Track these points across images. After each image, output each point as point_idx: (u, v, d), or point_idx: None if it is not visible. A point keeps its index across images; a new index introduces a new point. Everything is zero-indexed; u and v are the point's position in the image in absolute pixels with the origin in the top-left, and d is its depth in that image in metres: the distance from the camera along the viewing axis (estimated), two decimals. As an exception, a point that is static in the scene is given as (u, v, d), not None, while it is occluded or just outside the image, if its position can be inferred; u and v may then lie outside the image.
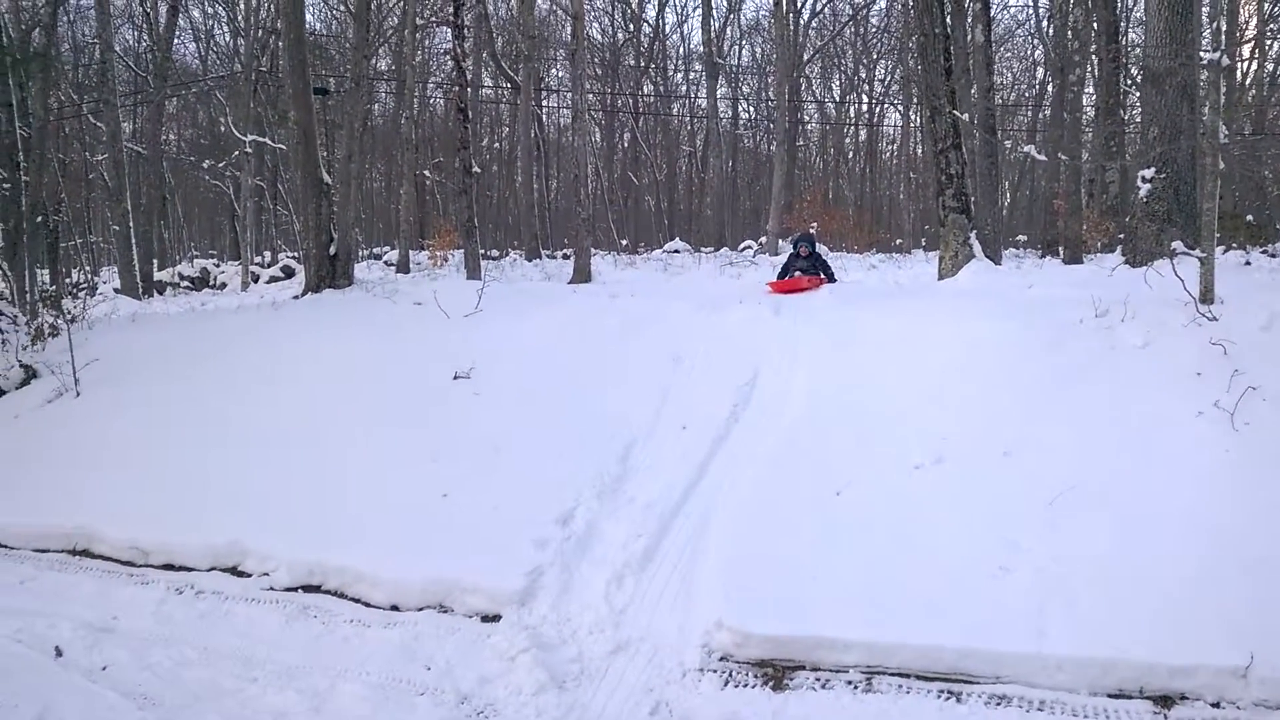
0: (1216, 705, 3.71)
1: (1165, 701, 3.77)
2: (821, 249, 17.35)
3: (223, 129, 25.13)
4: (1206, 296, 6.25)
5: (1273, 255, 11.81)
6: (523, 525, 5.24)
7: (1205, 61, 6.36)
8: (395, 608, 4.95)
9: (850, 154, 36.20)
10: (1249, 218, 14.60)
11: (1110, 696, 3.82)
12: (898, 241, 20.80)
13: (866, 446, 5.52)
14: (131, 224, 17.74)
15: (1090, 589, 4.21)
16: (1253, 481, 4.66)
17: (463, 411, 6.52)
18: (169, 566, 5.51)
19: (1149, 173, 8.88)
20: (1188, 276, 6.28)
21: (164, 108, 23.09)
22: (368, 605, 5.00)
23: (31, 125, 12.57)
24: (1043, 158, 11.26)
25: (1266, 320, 5.87)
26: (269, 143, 22.02)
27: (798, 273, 9.71)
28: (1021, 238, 22.77)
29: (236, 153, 21.81)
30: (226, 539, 5.49)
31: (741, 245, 23.21)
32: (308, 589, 5.16)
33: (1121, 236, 10.69)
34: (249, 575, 5.34)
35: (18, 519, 6.02)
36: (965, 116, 8.54)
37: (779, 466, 5.52)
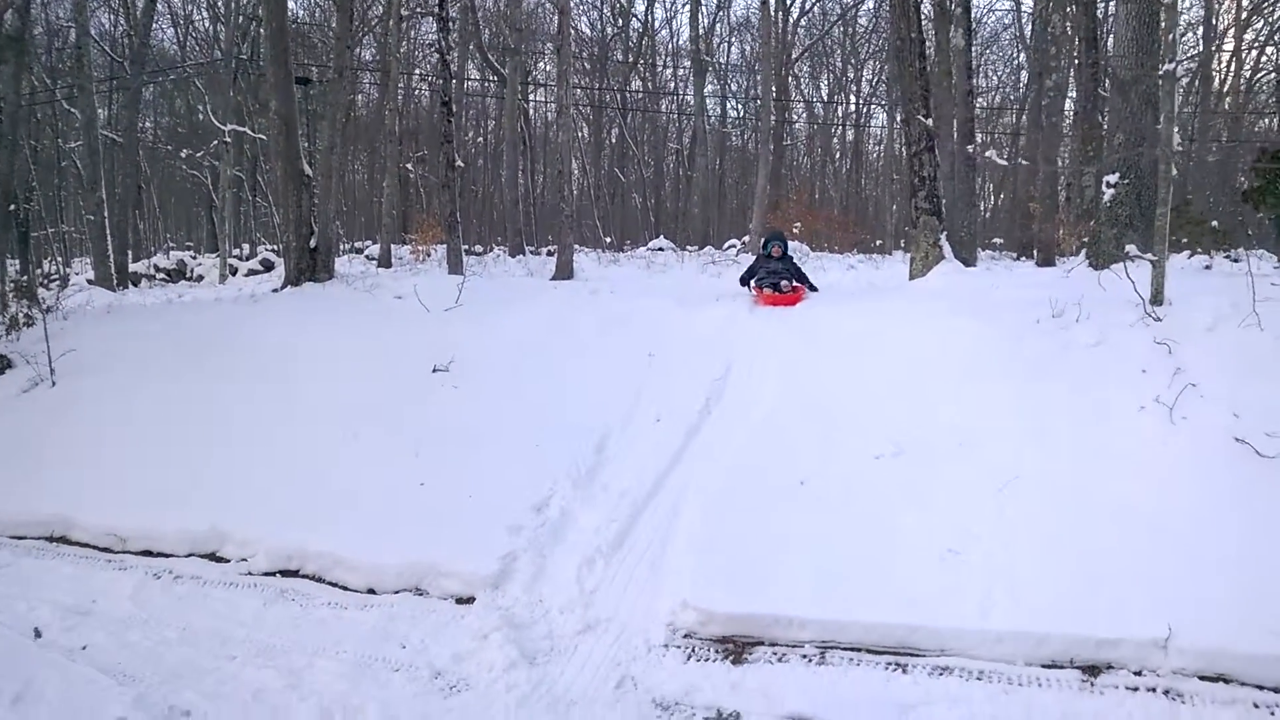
0: (1139, 674, 3.95)
1: (1093, 671, 4.01)
2: (802, 247, 17.63)
3: (201, 117, 24.99)
4: (1157, 298, 6.49)
5: (1235, 260, 12.15)
6: (498, 512, 5.41)
7: (1161, 72, 6.59)
8: (372, 591, 5.10)
9: (837, 154, 36.49)
10: (1214, 223, 14.97)
11: (1044, 666, 4.05)
12: (878, 242, 21.08)
13: (831, 438, 5.73)
14: (106, 213, 17.66)
15: (1031, 569, 4.44)
16: (1184, 471, 4.92)
17: (441, 404, 6.68)
18: (147, 553, 5.62)
19: (1113, 178, 9.14)
20: (1141, 279, 6.53)
21: (141, 94, 22.90)
22: (345, 589, 5.14)
23: (3, 110, 12.51)
24: (1003, 162, 11.53)
25: (1211, 321, 6.11)
26: (249, 132, 21.97)
27: (774, 284, 8.52)
28: (998, 240, 23.12)
29: (215, 142, 21.72)
30: (205, 525, 5.62)
31: (726, 244, 23.41)
32: (286, 573, 5.30)
33: (1085, 240, 10.97)
34: (228, 560, 5.47)
35: (-9, 507, 6.11)
36: (930, 121, 8.70)
37: (747, 457, 5.72)
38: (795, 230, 18.71)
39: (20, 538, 5.89)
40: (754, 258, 9.44)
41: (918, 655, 4.21)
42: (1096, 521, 4.68)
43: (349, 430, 6.43)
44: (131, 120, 21.39)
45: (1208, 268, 10.72)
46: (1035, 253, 16.02)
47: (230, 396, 7.02)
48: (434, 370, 7.06)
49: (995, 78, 32.41)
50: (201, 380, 7.33)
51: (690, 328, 7.50)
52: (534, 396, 6.64)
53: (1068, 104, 18.61)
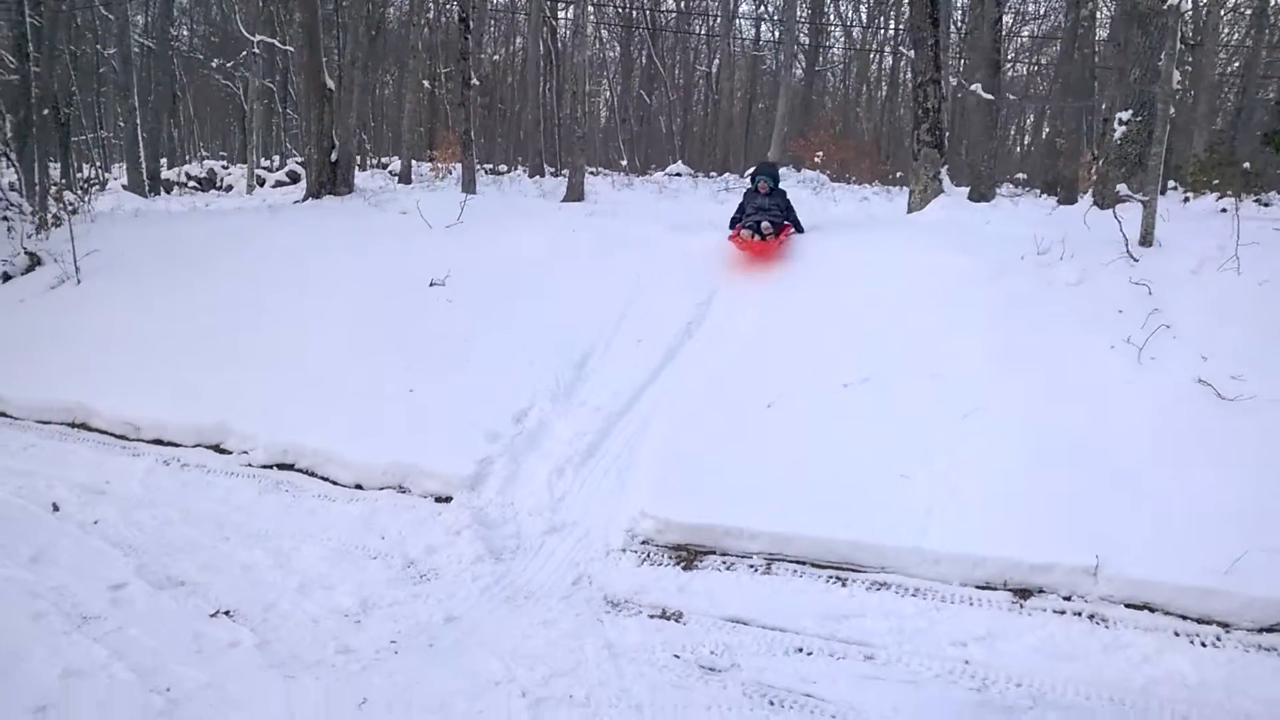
0: (1068, 599, 4.18)
1: (1024, 594, 4.25)
2: (819, 177, 17.47)
3: (233, 27, 25.00)
4: (1146, 239, 6.55)
5: (1265, 204, 11.88)
6: (479, 420, 5.72)
7: (1166, 5, 6.53)
8: (359, 486, 5.47)
9: (873, 80, 35.58)
10: (1246, 164, 14.67)
11: (978, 588, 4.30)
12: (899, 174, 20.83)
13: (802, 365, 5.94)
14: (139, 121, 17.94)
15: (976, 496, 4.67)
16: (1143, 411, 5.07)
17: (434, 316, 6.96)
18: (158, 442, 6.03)
19: (1125, 115, 9.06)
20: (1134, 219, 6.58)
21: (175, 2, 22.92)
22: (335, 483, 5.51)
23: (42, 14, 12.71)
24: (988, 96, 11.35)
25: (1196, 264, 6.18)
26: (278, 44, 22.01)
27: (758, 225, 7.43)
28: (1021, 176, 22.74)
29: (245, 53, 21.81)
30: (211, 420, 6.00)
31: (747, 171, 23.26)
32: (282, 467, 5.68)
33: (1093, 177, 10.87)
34: (230, 453, 5.85)
35: (22, 392, 6.54)
36: (937, 52, 8.59)
37: (720, 379, 5.95)
38: (817, 159, 18.53)
39: (45, 422, 6.31)
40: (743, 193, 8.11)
41: (859, 571, 4.48)
42: (1048, 454, 4.86)
43: (348, 336, 6.74)
44: (164, 28, 21.48)
45: (1223, 210, 10.62)
46: (1058, 190, 15.83)
47: (240, 301, 7.35)
48: (430, 284, 7.33)
49: (1037, 7, 31.36)
50: (215, 285, 7.67)
51: (684, 253, 7.67)
52: (523, 313, 6.89)
53: (1095, 35, 18.10)
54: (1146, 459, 4.77)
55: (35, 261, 8.78)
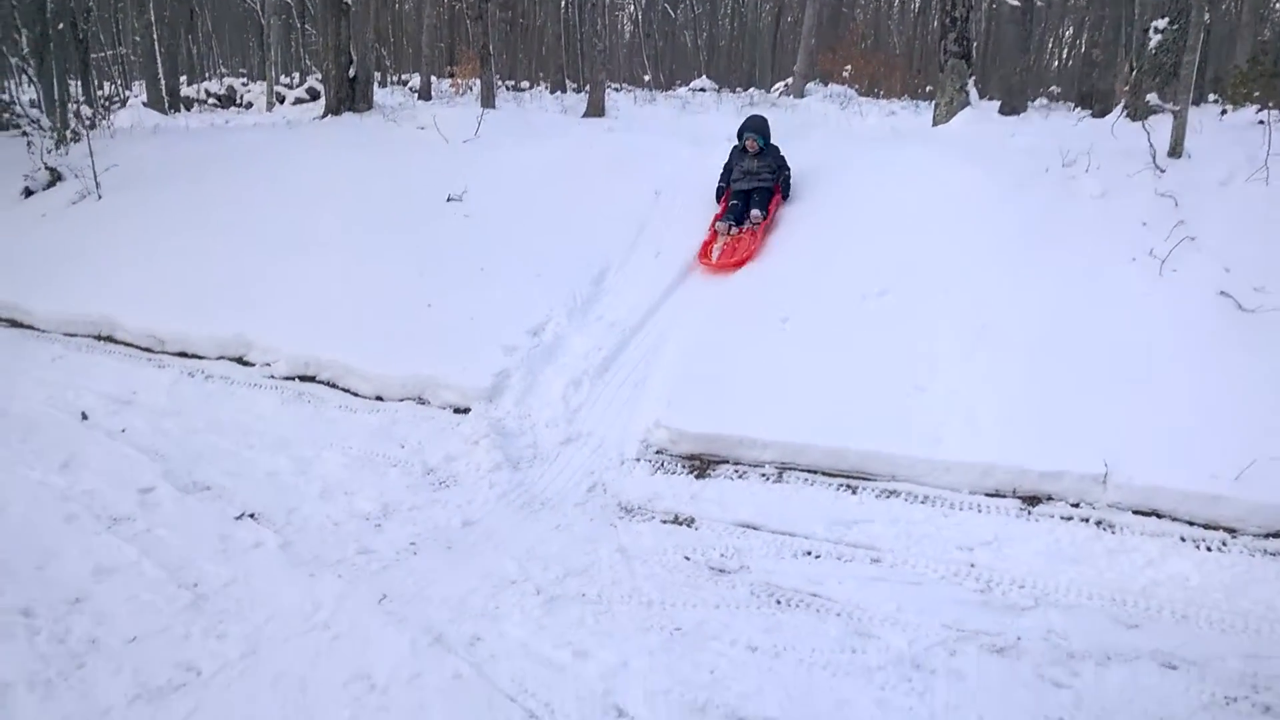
0: (1076, 505, 4.22)
1: (1033, 501, 4.29)
2: (846, 91, 17.05)
3: (248, -61, 24.49)
4: (1176, 150, 6.39)
5: (1307, 115, 11.47)
6: (496, 334, 5.77)
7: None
8: (379, 398, 5.56)
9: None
10: (1288, 74, 14.12)
11: (987, 495, 4.35)
12: (928, 89, 20.24)
13: (820, 280, 5.91)
14: (155, 36, 17.76)
15: (989, 407, 4.68)
16: (1161, 322, 5.02)
17: (451, 231, 6.96)
18: (182, 354, 6.14)
19: (1161, 23, 8.71)
20: (1164, 130, 6.41)
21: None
22: (355, 395, 5.61)
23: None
24: (1016, 2, 10.94)
25: (1225, 175, 6.04)
26: (294, -44, 21.54)
27: (739, 216, 6.57)
28: (1055, 89, 22.05)
29: (261, -34, 21.39)
30: (233, 332, 6.09)
31: (774, 87, 22.74)
32: (303, 379, 5.78)
33: (1127, 88, 10.52)
34: (252, 365, 5.96)
35: (48, 306, 6.65)
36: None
37: (736, 294, 5.95)
38: (845, 74, 18.07)
39: (71, 335, 6.44)
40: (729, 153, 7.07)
41: (869, 480, 4.54)
42: (1061, 366, 4.85)
43: (367, 251, 6.77)
44: (178, -62, 21.05)
45: (1260, 122, 10.29)
46: (1093, 104, 15.36)
47: (259, 216, 7.38)
48: (448, 199, 7.31)
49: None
50: (234, 200, 7.70)
51: (700, 167, 7.57)
52: (540, 228, 6.87)
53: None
54: (1161, 370, 4.74)
55: (56, 177, 8.83)
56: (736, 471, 4.70)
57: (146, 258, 7.05)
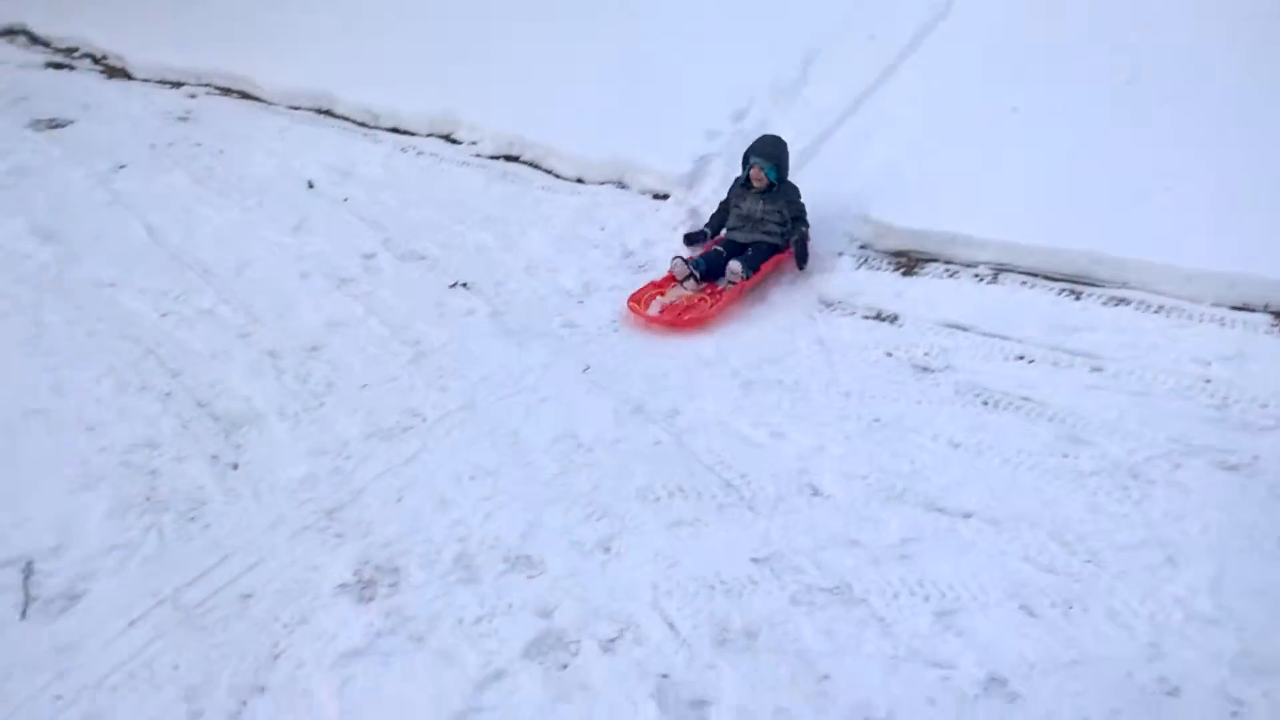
0: (1337, 323, 3.78)
1: (1286, 318, 3.86)
2: None
3: None
4: None
5: None
6: (698, 118, 5.58)
7: None
8: (580, 180, 5.57)
9: None
10: None
11: (1232, 308, 3.93)
12: None
13: (1057, 62, 5.32)
14: None
15: (1239, 215, 4.18)
16: None
17: (655, 10, 6.64)
18: (395, 130, 6.32)
19: None
20: None
21: None
22: (557, 176, 5.64)
23: None
24: None
25: None
26: None
27: (702, 267, 4.41)
28: None
29: None
30: (441, 109, 6.20)
31: None
32: (508, 158, 5.85)
33: None
34: (459, 143, 6.07)
35: (275, 79, 6.95)
36: None
37: (960, 79, 5.44)
38: None
39: (295, 108, 6.75)
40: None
41: (1095, 286, 4.20)
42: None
43: (567, 32, 6.61)
44: None
45: None
46: None
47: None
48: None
49: None
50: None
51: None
52: (746, 10, 6.44)
53: None
54: None
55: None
56: (947, 270, 4.46)
57: (361, 35, 7.19)
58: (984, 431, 3.38)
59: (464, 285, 4.55)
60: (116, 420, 3.59)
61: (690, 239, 4.79)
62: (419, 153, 6.01)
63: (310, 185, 5.60)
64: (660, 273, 4.54)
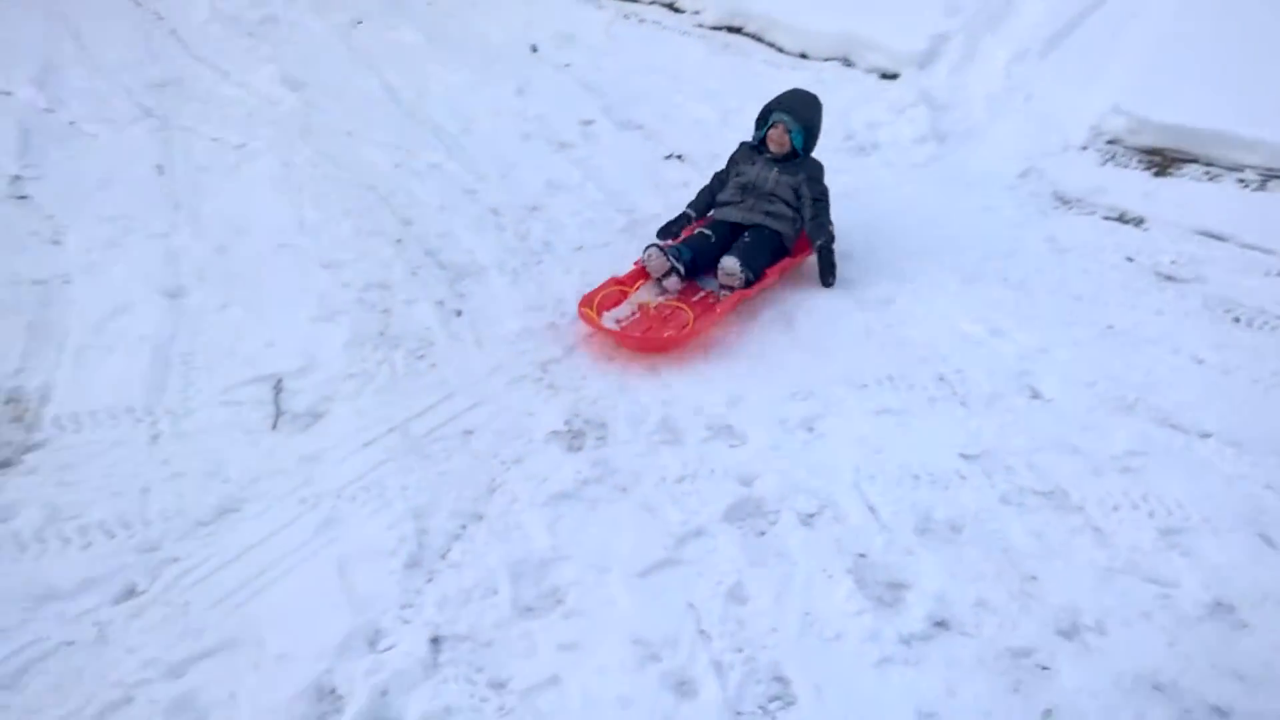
0: None
1: None
2: None
3: None
4: None
5: None
6: (938, -9, 5.21)
7: None
8: (804, 56, 5.37)
9: None
10: None
11: None
12: None
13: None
14: None
15: None
16: None
17: None
18: (618, -5, 6.28)
19: None
20: None
21: None
22: (780, 50, 5.47)
23: None
24: None
25: None
26: None
27: (687, 258, 3.44)
28: None
29: None
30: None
31: None
32: (731, 30, 5.71)
33: None
34: (682, 12, 5.98)
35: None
36: None
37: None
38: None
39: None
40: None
41: (1389, 199, 3.70)
42: None
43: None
44: None
45: None
46: None
47: None
48: None
49: None
50: None
51: None
52: None
53: None
54: None
55: None
56: (1206, 173, 4.04)
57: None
58: (1233, 349, 3.10)
59: (679, 158, 4.54)
60: (354, 260, 3.83)
61: (666, 230, 3.64)
62: (641, 20, 5.96)
63: (534, 49, 5.68)
64: (888, 155, 4.34)
